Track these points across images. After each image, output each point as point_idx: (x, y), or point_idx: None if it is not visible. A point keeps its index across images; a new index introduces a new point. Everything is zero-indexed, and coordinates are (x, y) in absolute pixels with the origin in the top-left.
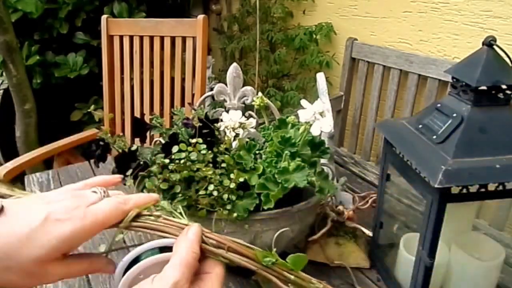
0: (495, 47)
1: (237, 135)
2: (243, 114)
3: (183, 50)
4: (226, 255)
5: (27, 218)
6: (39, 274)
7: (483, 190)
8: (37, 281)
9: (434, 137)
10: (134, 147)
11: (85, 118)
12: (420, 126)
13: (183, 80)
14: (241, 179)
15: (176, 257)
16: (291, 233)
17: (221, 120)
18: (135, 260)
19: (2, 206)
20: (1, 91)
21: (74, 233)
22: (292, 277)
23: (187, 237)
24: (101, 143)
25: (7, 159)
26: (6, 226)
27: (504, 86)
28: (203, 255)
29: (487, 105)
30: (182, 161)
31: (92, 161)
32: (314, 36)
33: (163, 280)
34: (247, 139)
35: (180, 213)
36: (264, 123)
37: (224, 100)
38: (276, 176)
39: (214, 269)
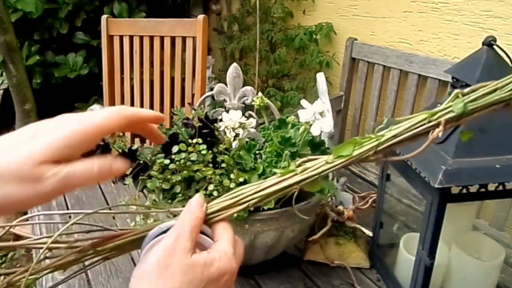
0: (495, 47)
1: (237, 135)
2: (243, 114)
3: (183, 50)
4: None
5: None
6: (33, 177)
7: (483, 190)
8: (32, 188)
9: None
10: (134, 147)
11: None
12: None
13: (183, 80)
14: (241, 179)
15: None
16: (291, 233)
17: (221, 120)
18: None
19: None
20: (1, 91)
21: (70, 133)
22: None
23: (188, 204)
24: (101, 143)
25: None
26: None
27: None
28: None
29: None
30: (182, 161)
31: None
32: (314, 36)
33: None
34: (247, 139)
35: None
36: (264, 123)
37: (224, 100)
38: None
39: (222, 235)
